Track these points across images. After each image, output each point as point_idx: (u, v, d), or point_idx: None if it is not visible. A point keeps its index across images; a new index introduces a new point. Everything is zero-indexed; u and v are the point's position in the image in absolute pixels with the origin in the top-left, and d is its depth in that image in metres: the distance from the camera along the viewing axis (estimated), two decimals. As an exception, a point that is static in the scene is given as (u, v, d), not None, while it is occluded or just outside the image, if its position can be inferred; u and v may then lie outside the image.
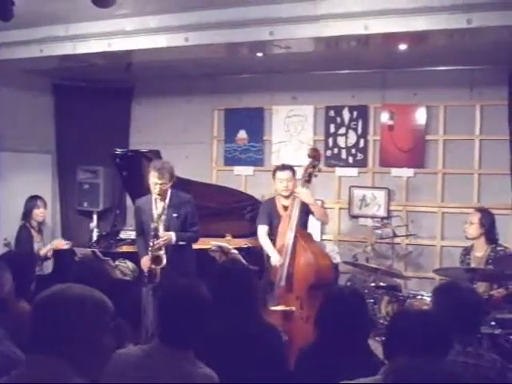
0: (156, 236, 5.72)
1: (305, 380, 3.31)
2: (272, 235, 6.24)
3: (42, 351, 2.12)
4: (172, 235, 5.81)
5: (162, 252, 5.74)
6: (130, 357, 2.91)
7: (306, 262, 5.84)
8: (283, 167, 6.32)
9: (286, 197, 6.20)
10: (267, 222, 6.30)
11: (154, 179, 5.84)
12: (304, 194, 6.00)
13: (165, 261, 5.72)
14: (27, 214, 7.63)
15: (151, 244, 5.73)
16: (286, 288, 5.86)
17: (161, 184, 5.83)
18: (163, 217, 5.86)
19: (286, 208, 6.20)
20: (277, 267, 5.91)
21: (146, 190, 6.30)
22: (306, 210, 6.09)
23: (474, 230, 6.15)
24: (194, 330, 2.95)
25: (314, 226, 6.70)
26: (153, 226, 5.78)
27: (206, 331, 3.02)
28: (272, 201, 6.41)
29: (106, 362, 2.25)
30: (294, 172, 6.26)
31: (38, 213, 7.67)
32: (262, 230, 6.30)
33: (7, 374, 2.27)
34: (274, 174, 6.31)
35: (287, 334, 5.23)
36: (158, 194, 5.86)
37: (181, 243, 5.85)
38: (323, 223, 6.79)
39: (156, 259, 5.72)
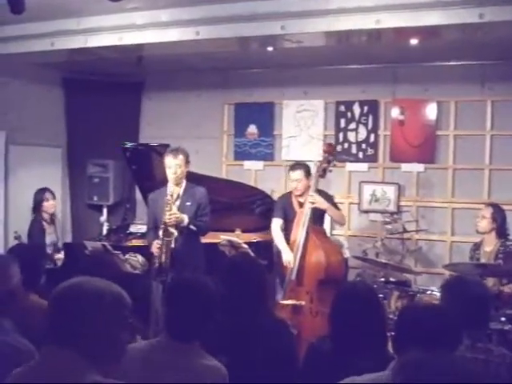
0: (166, 227, 5.67)
1: (315, 375, 3.31)
2: (286, 230, 6.26)
3: (58, 343, 2.11)
4: (184, 216, 5.76)
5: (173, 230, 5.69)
6: (138, 351, 2.92)
7: (317, 257, 5.87)
8: (294, 167, 6.33)
9: (300, 195, 6.22)
10: (282, 215, 6.33)
11: (169, 161, 5.78)
12: (319, 201, 6.03)
13: (176, 234, 5.67)
14: (37, 207, 7.68)
15: (166, 212, 5.66)
16: (297, 282, 5.90)
17: (176, 165, 5.78)
18: (177, 203, 5.82)
19: (301, 204, 6.21)
20: (288, 264, 5.94)
21: (156, 184, 6.31)
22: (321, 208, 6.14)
23: (486, 224, 6.16)
24: (201, 323, 2.96)
25: (324, 221, 6.69)
26: (168, 199, 5.70)
27: (214, 325, 3.03)
28: (288, 196, 6.44)
29: (121, 358, 2.23)
30: (306, 171, 6.25)
31: (48, 205, 7.71)
32: (276, 223, 6.33)
33: (15, 365, 2.28)
34: (288, 172, 6.34)
35: (296, 327, 5.25)
36: (174, 178, 5.78)
37: (191, 227, 5.80)
38: (340, 224, 6.83)
39: (167, 232, 5.66)
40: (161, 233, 5.67)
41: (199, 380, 2.81)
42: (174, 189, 5.81)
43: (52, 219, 7.80)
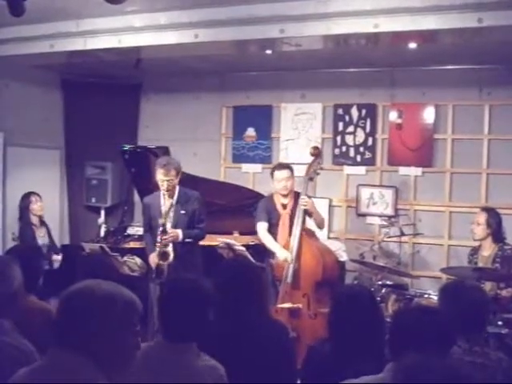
0: (164, 232, 5.74)
1: (315, 377, 3.32)
2: (271, 233, 6.26)
3: (65, 346, 2.10)
4: (179, 232, 5.83)
5: (170, 248, 5.77)
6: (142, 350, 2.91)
7: (313, 258, 5.89)
8: (281, 166, 6.36)
9: (285, 195, 6.24)
10: (266, 219, 6.32)
11: (160, 176, 5.87)
12: (310, 204, 6.06)
13: (172, 256, 5.74)
14: (23, 213, 7.66)
15: (159, 240, 5.74)
16: (293, 285, 5.89)
17: (167, 180, 5.86)
18: (171, 213, 5.87)
19: (284, 206, 6.23)
20: (284, 263, 5.93)
21: (154, 187, 6.33)
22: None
23: (481, 230, 6.15)
24: (195, 324, 2.96)
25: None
26: (161, 222, 5.80)
27: (209, 326, 3.03)
28: (270, 198, 6.43)
29: (129, 363, 2.22)
30: (292, 171, 6.27)
31: (36, 207, 7.68)
32: (262, 226, 6.31)
33: (16, 366, 2.28)
34: (272, 174, 6.34)
35: (294, 330, 5.25)
36: (167, 190, 5.88)
37: (187, 240, 5.87)
38: (319, 228, 6.85)
39: (163, 255, 5.74)
40: (157, 255, 5.77)
41: (198, 380, 2.81)
42: (167, 200, 5.90)
43: (41, 221, 7.76)
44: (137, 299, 2.24)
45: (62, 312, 2.17)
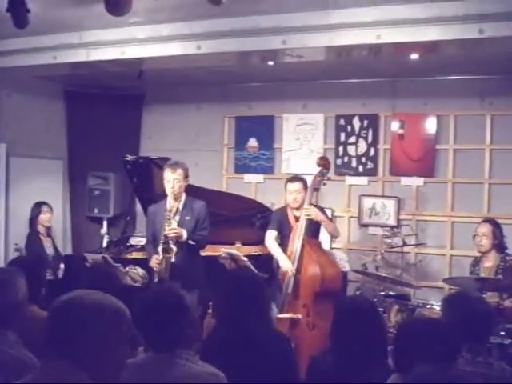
0: (166, 239, 5.69)
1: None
2: (282, 245, 6.25)
3: (56, 356, 2.10)
4: (183, 231, 5.77)
5: (173, 245, 5.71)
6: (133, 366, 2.89)
7: (312, 270, 5.87)
8: (293, 179, 6.34)
9: (297, 208, 6.23)
10: (276, 228, 6.32)
11: (167, 175, 5.80)
12: (314, 213, 6.05)
13: (175, 249, 5.69)
14: (33, 221, 7.73)
15: (165, 231, 5.68)
16: (293, 296, 5.90)
17: (174, 179, 5.79)
18: (176, 217, 5.84)
19: (297, 218, 6.21)
20: (287, 273, 5.93)
21: (156, 197, 6.32)
22: (316, 221, 6.15)
23: (487, 242, 6.14)
24: (174, 330, 2.96)
25: (323, 234, 6.69)
26: (167, 216, 5.74)
27: (194, 327, 3.02)
28: (284, 210, 6.42)
29: (119, 372, 2.22)
30: (304, 183, 6.26)
31: (45, 218, 7.76)
32: (271, 234, 6.32)
33: (19, 378, 2.28)
34: (285, 185, 6.34)
35: (293, 341, 5.24)
36: (173, 193, 5.79)
37: (190, 242, 5.81)
38: (334, 237, 6.84)
39: (167, 249, 5.68)
40: (160, 249, 5.69)
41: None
42: (173, 203, 5.84)
43: (48, 233, 7.83)
44: (126, 308, 2.25)
45: (52, 322, 2.18)
